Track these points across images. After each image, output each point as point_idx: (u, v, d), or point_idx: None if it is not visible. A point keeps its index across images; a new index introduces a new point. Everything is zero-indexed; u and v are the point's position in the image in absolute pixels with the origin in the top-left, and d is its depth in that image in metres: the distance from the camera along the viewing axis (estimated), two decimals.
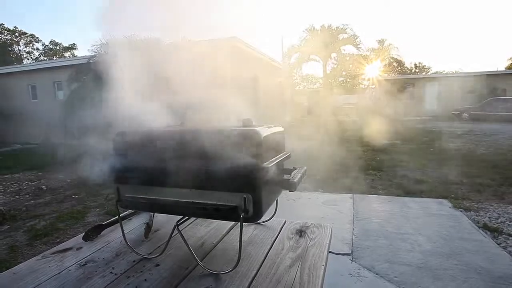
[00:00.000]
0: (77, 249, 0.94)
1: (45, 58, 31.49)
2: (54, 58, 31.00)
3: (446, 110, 19.15)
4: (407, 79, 22.63)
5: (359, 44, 9.79)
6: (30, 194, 4.95)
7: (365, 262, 2.34)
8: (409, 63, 36.00)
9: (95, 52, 7.83)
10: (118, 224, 1.08)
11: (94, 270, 0.81)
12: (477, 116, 15.21)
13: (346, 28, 10.02)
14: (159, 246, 0.93)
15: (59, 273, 0.80)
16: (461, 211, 3.31)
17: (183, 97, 1.08)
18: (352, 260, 2.38)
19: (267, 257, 0.86)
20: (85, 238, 0.98)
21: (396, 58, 29.16)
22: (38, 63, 21.24)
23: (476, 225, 2.91)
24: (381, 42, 31.54)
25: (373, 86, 28.72)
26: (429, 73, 31.10)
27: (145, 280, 0.76)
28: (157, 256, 0.86)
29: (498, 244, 2.52)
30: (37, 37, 32.42)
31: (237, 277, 0.76)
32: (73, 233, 3.18)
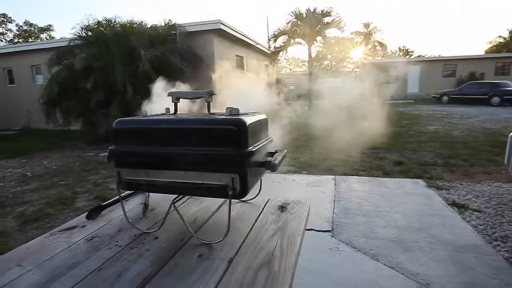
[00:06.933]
0: (82, 227, 1.04)
1: (20, 40, 30.03)
2: (30, 40, 29.63)
3: (427, 93, 19.69)
4: (390, 63, 22.93)
5: (343, 27, 9.90)
6: (16, 181, 4.93)
7: (344, 237, 2.54)
8: (392, 47, 36.38)
9: (76, 34, 7.60)
10: (117, 204, 1.19)
11: (100, 243, 0.92)
12: (456, 99, 15.72)
13: (331, 11, 10.05)
14: (156, 223, 1.05)
15: (69, 246, 0.91)
16: (433, 189, 3.56)
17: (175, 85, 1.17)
18: (332, 236, 2.57)
19: (252, 229, 0.99)
20: (88, 217, 1.08)
21: (381, 42, 29.38)
22: (14, 45, 20.28)
23: (446, 202, 3.16)
24: (366, 25, 31.61)
25: (358, 69, 28.99)
26: (412, 57, 31.56)
27: (147, 250, 0.88)
28: (156, 230, 0.98)
29: (463, 219, 2.77)
30: (10, 17, 30.78)
31: (227, 245, 0.88)
32: (64, 218, 3.25)
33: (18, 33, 31.38)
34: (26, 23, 31.63)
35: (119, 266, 0.80)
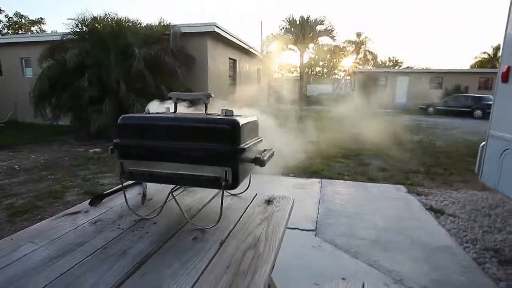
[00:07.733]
0: (85, 212, 1.13)
1: (10, 32, 29.40)
2: (20, 32, 29.08)
3: (414, 104, 20.23)
4: (380, 72, 23.48)
5: (335, 36, 10.16)
6: (3, 173, 4.91)
7: (327, 236, 2.67)
8: (383, 57, 37.21)
9: (70, 29, 7.58)
10: (117, 194, 1.29)
11: (104, 226, 1.02)
12: (441, 111, 16.22)
13: (324, 20, 10.33)
14: (154, 210, 1.15)
15: (75, 228, 1.00)
16: (414, 195, 3.74)
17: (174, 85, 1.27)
18: (315, 235, 2.70)
19: (241, 219, 1.11)
20: (91, 204, 1.18)
21: (371, 52, 30.05)
22: (4, 37, 19.92)
23: (424, 207, 3.34)
24: (358, 34, 32.28)
25: (348, 77, 29.59)
26: (401, 68, 32.34)
27: (147, 232, 0.98)
28: (154, 217, 1.08)
29: (439, 223, 2.94)
30: None
31: (218, 230, 1.00)
32: (54, 211, 3.28)
33: (8, 24, 30.74)
34: (16, 14, 31.03)
35: (122, 245, 0.90)
